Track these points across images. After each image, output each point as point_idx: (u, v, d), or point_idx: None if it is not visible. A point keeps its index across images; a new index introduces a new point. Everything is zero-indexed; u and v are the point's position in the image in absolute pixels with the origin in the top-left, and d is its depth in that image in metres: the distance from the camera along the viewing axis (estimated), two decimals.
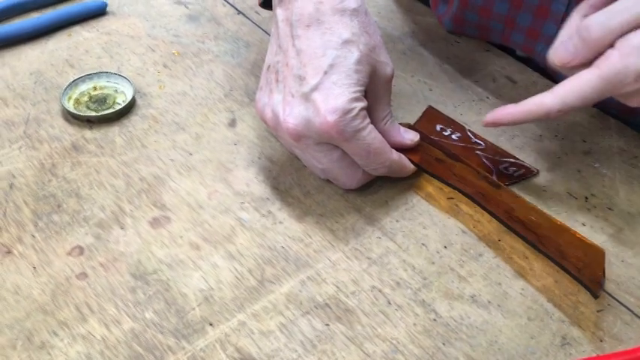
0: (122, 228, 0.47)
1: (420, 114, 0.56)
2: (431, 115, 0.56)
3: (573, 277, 0.44)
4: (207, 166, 0.52)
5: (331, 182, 0.50)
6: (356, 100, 0.44)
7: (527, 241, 0.46)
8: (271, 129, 0.47)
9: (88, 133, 0.54)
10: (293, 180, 0.51)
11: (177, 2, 0.68)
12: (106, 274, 0.44)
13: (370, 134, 0.45)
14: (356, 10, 0.45)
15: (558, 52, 0.44)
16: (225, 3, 0.68)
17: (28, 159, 0.52)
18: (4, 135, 0.53)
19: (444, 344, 0.41)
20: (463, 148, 0.53)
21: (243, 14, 0.67)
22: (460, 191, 0.50)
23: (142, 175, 0.51)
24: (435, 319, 0.43)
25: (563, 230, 0.46)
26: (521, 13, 0.59)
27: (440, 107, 0.57)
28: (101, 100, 0.57)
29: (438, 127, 0.55)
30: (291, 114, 0.44)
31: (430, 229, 0.48)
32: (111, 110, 0.55)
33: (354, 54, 0.44)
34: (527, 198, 0.50)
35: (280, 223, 0.48)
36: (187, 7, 0.68)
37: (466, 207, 0.49)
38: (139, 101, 0.57)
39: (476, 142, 0.54)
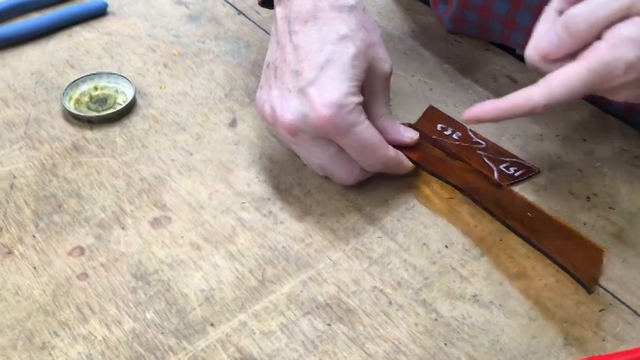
0: (123, 228, 0.47)
1: (420, 113, 0.56)
2: (432, 115, 0.56)
3: (569, 273, 0.44)
4: (207, 166, 0.52)
5: (332, 181, 0.50)
6: (352, 94, 0.44)
7: (525, 238, 0.46)
8: (270, 125, 0.47)
9: (89, 134, 0.54)
10: (294, 180, 0.51)
11: (177, 2, 0.68)
12: (106, 275, 0.44)
13: (366, 129, 0.44)
14: (354, 7, 0.45)
15: (540, 45, 0.43)
16: (226, 3, 0.68)
17: (28, 159, 0.52)
18: (4, 135, 0.53)
19: (445, 344, 0.41)
20: (464, 147, 0.53)
21: (244, 14, 0.67)
22: (460, 189, 0.50)
23: (142, 175, 0.51)
24: (436, 319, 0.42)
25: (562, 228, 0.46)
26: (520, 12, 0.59)
27: (441, 107, 0.57)
28: (102, 101, 0.56)
29: (439, 127, 0.55)
30: (288, 109, 0.44)
31: (431, 229, 0.48)
32: (111, 110, 0.55)
33: (350, 49, 0.44)
34: (529, 198, 0.50)
35: (281, 223, 0.48)
36: (188, 7, 0.68)
37: (467, 207, 0.49)
38: (139, 101, 0.57)
39: (477, 141, 0.54)
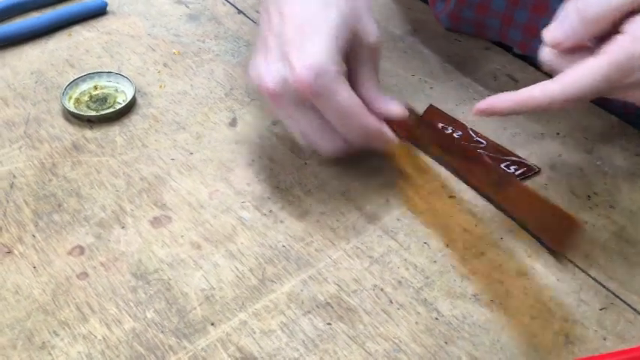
0: (123, 227, 0.47)
1: (421, 112, 0.56)
2: (432, 114, 0.56)
3: (539, 241, 0.44)
4: (207, 165, 0.52)
5: (332, 181, 0.50)
6: (332, 61, 0.43)
7: (497, 205, 0.45)
8: (260, 93, 0.46)
9: (89, 133, 0.54)
10: (294, 179, 0.51)
11: (177, 1, 0.68)
12: (106, 274, 0.44)
13: (345, 96, 0.44)
14: None
15: (551, 32, 0.42)
16: (226, 2, 0.68)
17: (28, 158, 0.51)
18: (4, 135, 0.53)
19: (446, 343, 0.41)
20: (465, 146, 0.53)
21: (244, 13, 0.67)
22: (441, 161, 0.48)
23: (142, 174, 0.51)
24: (437, 318, 0.42)
25: (537, 197, 0.45)
26: (518, 9, 0.59)
27: (441, 106, 0.57)
28: (101, 100, 0.56)
29: (440, 126, 0.55)
30: (270, 73, 0.44)
31: (432, 228, 0.48)
32: (111, 110, 0.55)
33: (333, 15, 0.44)
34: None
35: (281, 222, 0.48)
36: (188, 7, 0.67)
37: (468, 205, 0.49)
38: (139, 101, 0.57)
39: (477, 140, 0.54)
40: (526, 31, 0.60)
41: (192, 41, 0.63)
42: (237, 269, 0.45)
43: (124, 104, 0.55)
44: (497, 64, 0.62)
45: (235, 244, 0.46)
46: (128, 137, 0.54)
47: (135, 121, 0.55)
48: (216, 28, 0.65)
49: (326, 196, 0.50)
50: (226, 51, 0.62)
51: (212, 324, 0.42)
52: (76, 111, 0.55)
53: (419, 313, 0.43)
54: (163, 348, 0.40)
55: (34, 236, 0.46)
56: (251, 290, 0.44)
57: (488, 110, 0.44)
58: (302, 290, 0.44)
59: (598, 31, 0.40)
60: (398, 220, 0.48)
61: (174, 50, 0.62)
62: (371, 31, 0.46)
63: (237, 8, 0.68)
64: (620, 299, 0.44)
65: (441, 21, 0.65)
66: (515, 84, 0.60)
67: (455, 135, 0.54)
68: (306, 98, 0.44)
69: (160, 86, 0.58)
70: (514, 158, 0.52)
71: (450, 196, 0.50)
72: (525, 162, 0.52)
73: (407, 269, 0.45)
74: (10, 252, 0.45)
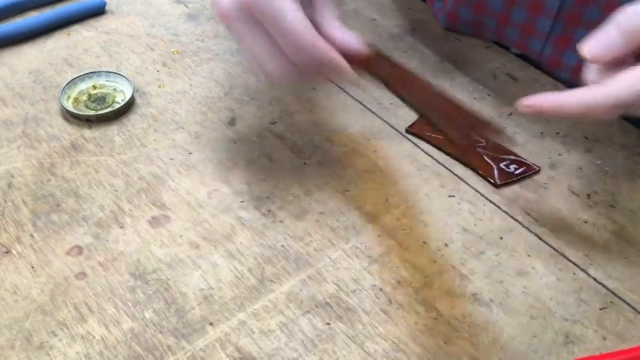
0: (121, 227, 0.47)
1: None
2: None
3: (445, 136, 0.44)
4: (206, 165, 0.52)
5: (332, 180, 0.50)
6: None
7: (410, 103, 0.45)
8: (217, 16, 0.45)
9: (87, 132, 0.54)
10: (293, 178, 0.51)
11: (176, 1, 0.68)
12: (105, 274, 0.44)
13: (293, 15, 0.42)
14: None
15: (589, 47, 0.40)
16: None
17: (26, 158, 0.51)
18: (2, 134, 0.53)
19: (445, 343, 0.41)
20: (464, 145, 0.53)
21: None
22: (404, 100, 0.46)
23: (141, 174, 0.51)
24: (436, 318, 0.42)
25: (450, 99, 0.44)
26: (515, 8, 0.59)
27: None
28: (100, 99, 0.56)
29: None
30: None
31: (431, 227, 0.47)
32: (110, 109, 0.55)
33: None
34: (529, 195, 0.50)
35: (280, 221, 0.48)
36: (187, 6, 0.67)
37: (467, 205, 0.49)
38: (138, 100, 0.57)
39: (477, 139, 0.54)
40: (523, 31, 0.59)
41: (191, 40, 0.63)
42: (236, 269, 0.45)
43: (122, 104, 0.55)
44: (497, 63, 0.62)
45: (234, 244, 0.46)
46: (127, 137, 0.53)
47: (133, 120, 0.55)
48: (215, 27, 0.65)
49: (325, 195, 0.49)
50: (225, 50, 0.62)
51: (211, 324, 0.42)
52: (74, 110, 0.54)
53: (418, 312, 0.42)
54: (162, 348, 0.40)
55: (32, 236, 0.46)
56: (250, 290, 0.43)
57: (533, 108, 0.42)
58: (301, 290, 0.44)
59: (637, 44, 0.39)
60: (397, 219, 0.48)
61: (173, 50, 0.62)
62: None
63: None
64: (620, 299, 0.43)
65: (439, 21, 0.65)
66: (515, 83, 0.60)
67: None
68: (251, 13, 0.42)
69: (159, 86, 0.58)
70: (513, 157, 0.52)
71: (450, 196, 0.50)
72: (525, 161, 0.52)
73: (406, 269, 0.45)
74: (8, 252, 0.45)
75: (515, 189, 0.50)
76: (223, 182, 0.50)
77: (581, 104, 0.40)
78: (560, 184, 0.51)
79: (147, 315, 0.42)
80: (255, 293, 0.43)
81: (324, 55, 0.43)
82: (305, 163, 0.52)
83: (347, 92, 0.58)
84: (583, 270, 0.45)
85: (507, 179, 0.51)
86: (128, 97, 0.56)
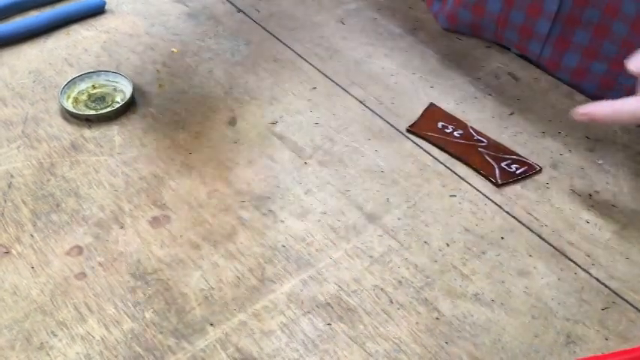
0: (121, 227, 0.47)
1: (421, 111, 0.56)
2: (433, 113, 0.56)
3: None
4: (207, 164, 0.51)
5: (332, 180, 0.50)
6: None
7: None
8: None
9: (87, 132, 0.54)
10: (293, 178, 0.50)
11: (176, 0, 0.68)
12: (105, 274, 0.44)
13: None
14: None
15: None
16: (225, 1, 0.68)
17: (26, 158, 0.51)
18: (2, 134, 0.53)
19: (446, 343, 0.41)
20: (466, 145, 0.53)
21: (243, 12, 0.67)
22: None
23: (141, 174, 0.50)
24: (437, 318, 0.42)
25: None
26: (513, 11, 0.59)
27: (442, 104, 0.57)
28: (100, 99, 0.56)
29: (440, 125, 0.55)
30: None
31: (432, 227, 0.47)
32: (110, 109, 0.55)
33: None
34: (530, 195, 0.50)
35: (281, 221, 0.47)
36: (187, 5, 0.67)
37: (469, 205, 0.49)
38: (138, 100, 0.57)
39: (478, 139, 0.54)
40: (522, 33, 0.59)
41: (191, 40, 0.63)
42: (237, 269, 0.44)
43: (122, 103, 0.55)
44: (499, 63, 0.62)
45: (235, 244, 0.46)
46: (127, 137, 0.53)
47: (133, 120, 0.55)
48: (215, 26, 0.65)
49: (326, 195, 0.49)
50: (225, 50, 0.62)
51: (211, 324, 0.41)
52: (74, 110, 0.54)
53: (419, 313, 0.42)
54: (162, 348, 0.40)
55: (32, 236, 0.46)
56: (250, 290, 0.43)
57: (588, 116, 0.44)
58: (302, 290, 0.43)
59: None
60: (398, 219, 0.48)
61: (173, 49, 0.62)
62: None
63: (236, 7, 0.67)
64: (622, 299, 0.43)
65: (438, 21, 0.65)
66: (517, 82, 0.60)
67: (455, 134, 0.54)
68: None
69: (159, 85, 0.58)
70: (515, 157, 0.52)
71: (451, 195, 0.50)
72: (527, 161, 0.52)
73: (407, 269, 0.45)
74: (8, 252, 0.45)
75: (516, 189, 0.50)
76: (224, 182, 0.50)
77: (631, 112, 0.42)
78: (561, 183, 0.51)
79: (147, 315, 0.42)
80: (255, 293, 0.43)
81: None
82: (306, 163, 0.52)
83: (347, 92, 0.58)
84: (585, 270, 0.45)
85: (509, 179, 0.50)
86: (128, 96, 0.56)
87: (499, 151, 0.53)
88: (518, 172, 0.51)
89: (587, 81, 0.58)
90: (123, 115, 0.55)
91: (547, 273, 0.45)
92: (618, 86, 0.57)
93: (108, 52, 0.61)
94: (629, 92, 0.57)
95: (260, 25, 0.65)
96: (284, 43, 0.63)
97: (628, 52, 0.54)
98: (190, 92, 0.58)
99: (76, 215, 0.47)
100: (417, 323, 0.42)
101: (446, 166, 0.52)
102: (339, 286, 0.44)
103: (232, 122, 0.55)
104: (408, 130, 0.54)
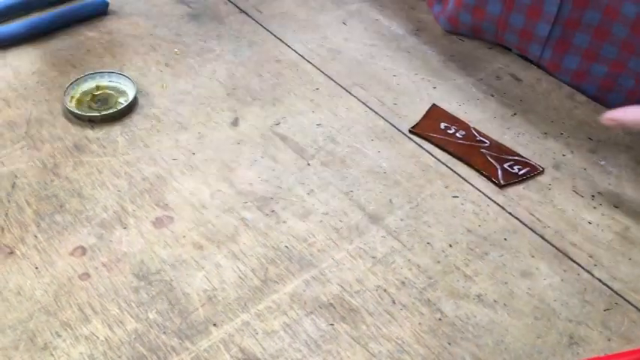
0: (125, 228, 0.47)
1: (424, 112, 0.56)
2: (435, 113, 0.56)
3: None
4: (210, 165, 0.51)
5: (334, 181, 0.50)
6: None
7: None
8: None
9: (90, 133, 0.54)
10: (296, 179, 0.51)
11: (179, 1, 0.68)
12: (108, 275, 0.44)
13: None
14: None
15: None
16: (227, 1, 0.68)
17: (30, 159, 0.51)
18: (6, 135, 0.53)
19: (449, 344, 0.41)
20: (468, 146, 0.53)
21: (246, 13, 0.67)
22: None
23: (144, 174, 0.51)
24: (440, 319, 0.42)
25: None
26: (513, 13, 0.59)
27: (444, 105, 0.57)
28: (103, 100, 0.56)
29: (443, 125, 0.55)
30: None
31: (435, 228, 0.47)
32: (113, 110, 0.55)
33: None
34: (533, 196, 0.50)
35: (284, 222, 0.47)
36: (189, 6, 0.67)
37: (471, 205, 0.49)
38: (141, 100, 0.57)
39: (480, 140, 0.54)
40: (522, 35, 0.60)
41: (194, 41, 0.63)
42: (240, 270, 0.45)
43: (125, 104, 0.55)
44: (500, 64, 0.62)
45: (237, 245, 0.46)
46: (130, 137, 0.53)
47: (137, 121, 0.55)
48: (218, 27, 0.65)
49: (329, 196, 0.49)
50: (228, 50, 0.62)
51: (214, 325, 0.42)
52: (77, 111, 0.54)
53: (422, 313, 0.42)
54: (165, 349, 0.40)
55: (36, 237, 0.46)
56: (253, 291, 0.43)
57: (616, 121, 0.45)
58: (305, 291, 0.43)
59: None
60: (401, 220, 0.48)
61: (175, 50, 0.62)
62: None
63: (238, 8, 0.67)
64: (625, 300, 0.43)
65: (440, 23, 0.65)
66: (519, 83, 0.60)
67: (458, 134, 0.54)
68: None
69: (162, 86, 0.58)
70: (517, 158, 0.52)
71: (454, 196, 0.50)
72: (529, 161, 0.52)
73: (410, 270, 0.45)
74: (12, 253, 0.45)
75: (519, 189, 0.50)
76: (226, 183, 0.50)
77: None
78: (564, 184, 0.51)
79: (151, 316, 0.42)
80: (258, 294, 0.43)
81: None
82: (308, 164, 0.52)
83: (350, 92, 0.58)
84: (587, 271, 0.45)
85: (511, 180, 0.50)
86: (131, 97, 0.56)
87: (501, 152, 0.53)
88: (520, 173, 0.51)
89: (588, 83, 0.59)
90: (126, 115, 0.55)
91: (550, 274, 0.45)
92: (618, 88, 0.57)
93: (111, 53, 0.61)
94: (630, 94, 0.57)
95: (262, 26, 0.65)
96: (286, 44, 0.63)
97: (628, 53, 0.55)
98: (193, 93, 0.58)
99: (80, 216, 0.47)
100: (419, 324, 0.42)
101: (448, 167, 0.52)
102: (341, 287, 0.44)
103: (235, 123, 0.55)
104: (411, 131, 0.55)
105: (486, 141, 0.53)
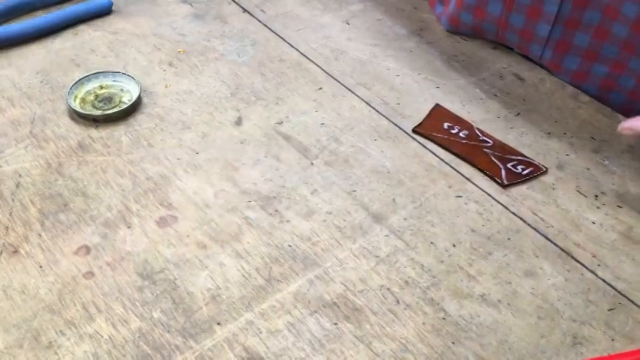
0: (129, 227, 0.47)
1: (427, 112, 0.56)
2: (439, 113, 0.56)
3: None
4: (213, 164, 0.52)
5: (338, 180, 0.50)
6: None
7: None
8: None
9: (94, 132, 0.54)
10: (300, 178, 0.51)
11: (183, 1, 0.68)
12: (112, 274, 0.44)
13: None
14: None
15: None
16: (231, 1, 0.68)
17: (34, 158, 0.51)
18: (10, 134, 0.53)
19: (453, 343, 0.41)
20: (471, 145, 0.53)
21: (249, 12, 0.67)
22: None
23: (148, 174, 0.51)
24: (444, 318, 0.42)
25: None
26: (513, 13, 0.59)
27: (447, 105, 0.57)
28: (107, 99, 0.56)
29: (446, 125, 0.55)
30: None
31: (438, 227, 0.47)
32: (117, 109, 0.55)
33: None
34: (536, 195, 0.50)
35: (287, 221, 0.48)
36: (193, 6, 0.67)
37: (475, 205, 0.49)
38: (144, 100, 0.57)
39: (484, 139, 0.54)
40: (523, 35, 0.60)
41: (197, 40, 0.63)
42: (244, 269, 0.45)
43: (129, 104, 0.55)
44: (504, 64, 0.62)
45: (241, 244, 0.46)
46: (134, 137, 0.54)
47: (140, 120, 0.55)
48: (221, 27, 0.65)
49: (332, 195, 0.49)
50: (232, 50, 0.62)
51: (218, 324, 0.42)
52: (81, 110, 0.55)
53: (426, 313, 0.42)
54: (170, 348, 0.40)
55: (40, 236, 0.46)
56: (257, 290, 0.43)
57: (633, 130, 0.46)
58: (308, 290, 0.44)
59: None
60: (405, 219, 0.48)
61: (179, 49, 0.62)
62: None
63: (242, 7, 0.68)
64: (629, 299, 0.43)
65: (441, 23, 0.65)
66: (522, 83, 0.60)
67: (461, 134, 0.54)
68: None
69: (166, 85, 0.58)
70: (521, 158, 0.52)
71: (457, 196, 0.50)
72: (532, 161, 0.52)
73: (414, 269, 0.45)
74: (16, 251, 0.45)
75: (522, 189, 0.50)
76: (230, 182, 0.50)
77: None
78: (567, 184, 0.51)
79: (155, 315, 0.42)
80: (262, 293, 0.43)
81: None
82: (312, 163, 0.52)
83: (353, 92, 0.58)
84: (591, 271, 0.45)
85: (515, 180, 0.50)
86: (135, 97, 0.56)
87: (505, 151, 0.53)
88: (524, 172, 0.51)
89: (588, 83, 0.59)
90: (130, 115, 0.55)
91: (553, 274, 0.45)
92: (619, 88, 0.57)
93: (115, 52, 0.61)
94: (630, 94, 0.57)
95: (266, 25, 0.65)
96: (290, 44, 0.63)
97: (628, 53, 0.55)
98: (197, 92, 0.58)
99: (84, 215, 0.48)
100: (423, 323, 0.42)
101: (451, 166, 0.52)
102: (345, 286, 0.44)
103: (238, 122, 0.55)
104: (414, 131, 0.55)
105: (490, 141, 0.53)
